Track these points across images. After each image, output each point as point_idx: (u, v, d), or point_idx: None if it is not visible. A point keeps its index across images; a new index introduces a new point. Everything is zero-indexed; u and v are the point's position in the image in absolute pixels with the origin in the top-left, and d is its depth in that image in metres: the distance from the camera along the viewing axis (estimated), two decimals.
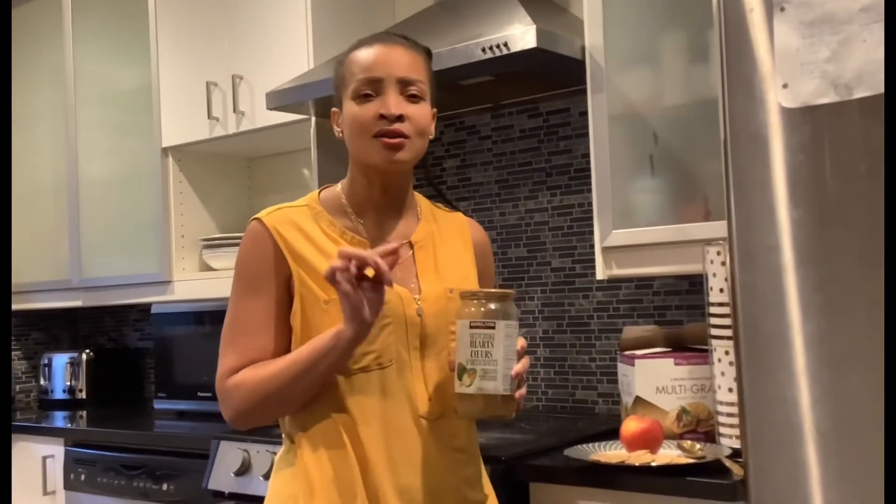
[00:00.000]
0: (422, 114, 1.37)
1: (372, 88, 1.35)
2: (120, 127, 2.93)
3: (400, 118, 1.34)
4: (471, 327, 1.28)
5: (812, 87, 1.26)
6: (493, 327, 1.27)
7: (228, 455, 2.10)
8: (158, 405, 2.80)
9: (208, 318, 2.71)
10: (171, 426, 2.56)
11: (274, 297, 1.35)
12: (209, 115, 2.61)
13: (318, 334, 1.32)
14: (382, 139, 1.34)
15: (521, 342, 1.32)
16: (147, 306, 2.96)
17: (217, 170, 2.91)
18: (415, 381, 1.35)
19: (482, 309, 1.28)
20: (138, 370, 3.33)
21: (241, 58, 2.55)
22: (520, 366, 1.30)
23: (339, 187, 1.45)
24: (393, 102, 1.34)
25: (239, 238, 2.68)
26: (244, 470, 2.05)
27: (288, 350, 1.35)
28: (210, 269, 2.75)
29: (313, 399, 1.33)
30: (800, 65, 1.27)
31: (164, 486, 2.33)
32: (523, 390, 1.33)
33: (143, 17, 2.78)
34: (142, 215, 2.83)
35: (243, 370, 1.34)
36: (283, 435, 1.41)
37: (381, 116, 1.33)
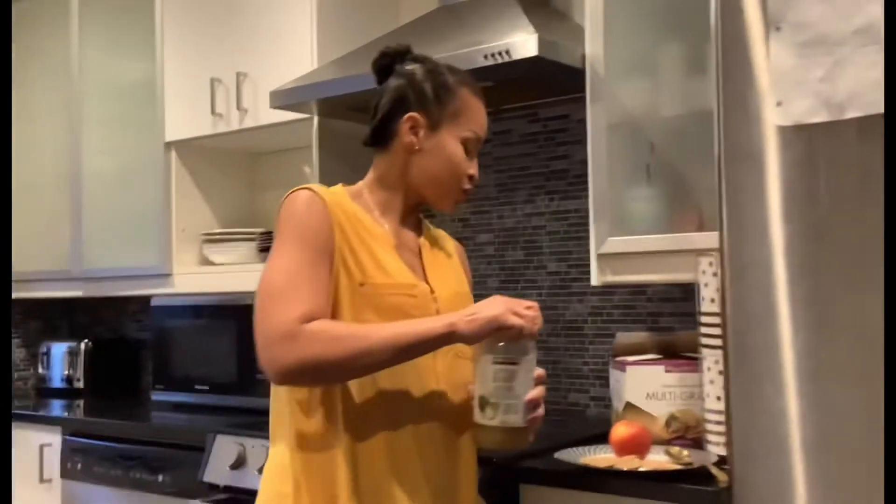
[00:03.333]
0: None
1: (473, 146, 1.48)
2: (123, 120, 2.95)
3: None
4: (493, 363, 1.34)
5: (805, 107, 1.29)
6: (517, 363, 1.34)
7: (224, 448, 2.13)
8: (156, 397, 2.83)
9: (207, 312, 2.74)
10: (168, 418, 2.59)
11: (329, 263, 1.36)
12: (213, 112, 2.63)
13: (350, 314, 1.34)
14: (461, 194, 1.49)
15: (539, 371, 1.39)
16: (146, 298, 2.98)
17: (219, 165, 2.93)
18: (429, 379, 1.40)
19: (505, 345, 1.34)
20: (136, 362, 3.36)
21: (245, 55, 2.57)
22: (536, 392, 1.37)
23: (364, 190, 1.49)
24: (476, 168, 1.50)
25: (241, 233, 2.72)
26: (239, 464, 2.08)
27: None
28: (210, 263, 2.78)
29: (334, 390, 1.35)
30: (793, 84, 1.30)
31: (160, 478, 2.36)
32: (541, 411, 1.40)
33: (150, 12, 2.80)
34: (143, 208, 2.85)
35: (322, 320, 1.29)
36: (272, 435, 1.42)
37: (471, 177, 1.49)
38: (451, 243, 1.62)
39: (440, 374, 1.42)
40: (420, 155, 1.45)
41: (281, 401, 1.40)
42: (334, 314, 1.35)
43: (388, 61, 1.50)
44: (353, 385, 1.35)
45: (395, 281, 1.40)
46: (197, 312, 2.77)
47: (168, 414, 2.67)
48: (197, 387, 2.71)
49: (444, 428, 1.41)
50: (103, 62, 3.02)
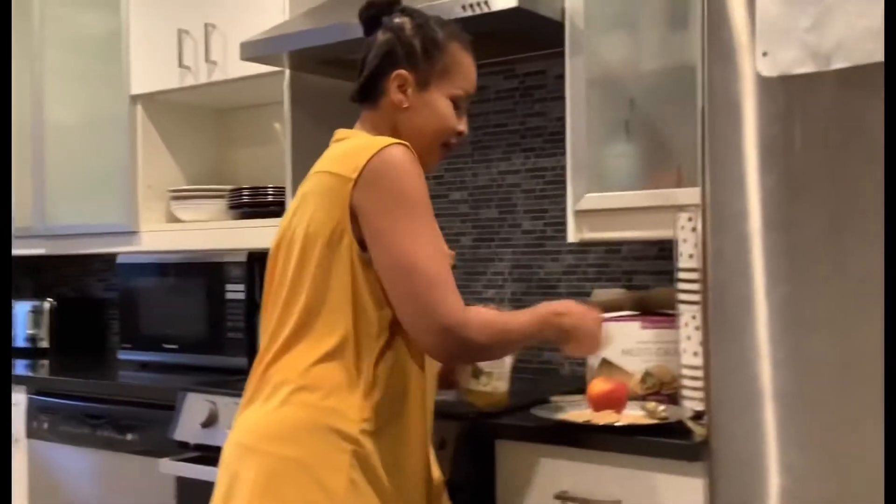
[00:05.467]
0: None
1: (462, 102, 1.47)
2: (87, 73, 2.87)
3: None
4: None
5: (791, 56, 1.27)
6: None
7: (195, 406, 2.10)
8: (123, 356, 2.79)
9: (174, 270, 2.69)
10: (135, 377, 2.55)
11: None
12: (180, 64, 2.56)
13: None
14: (444, 149, 1.48)
15: None
16: (112, 256, 2.92)
17: (187, 120, 2.86)
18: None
19: None
20: (102, 321, 3.30)
21: (214, 6, 2.50)
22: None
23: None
24: (466, 124, 1.49)
25: (209, 190, 2.66)
26: (211, 421, 2.05)
27: None
28: (178, 220, 2.72)
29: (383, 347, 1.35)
30: (780, 33, 1.28)
31: (129, 436, 2.32)
32: None
33: None
34: (108, 164, 2.79)
35: (486, 312, 1.35)
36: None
37: (459, 133, 1.47)
38: None
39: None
40: (409, 112, 1.43)
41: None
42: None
43: (374, 12, 1.47)
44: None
45: None
46: (164, 270, 2.72)
47: (136, 373, 2.63)
48: (165, 346, 2.67)
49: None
50: (65, 13, 2.93)
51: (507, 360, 1.65)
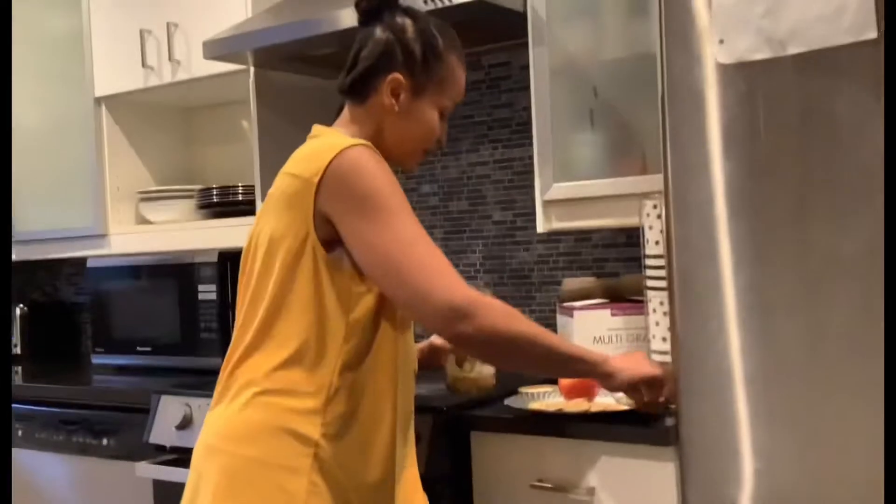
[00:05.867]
0: None
1: (448, 111, 1.47)
2: (50, 74, 2.83)
3: None
4: None
5: (747, 43, 1.29)
6: None
7: (170, 409, 2.09)
8: (96, 360, 2.77)
9: (146, 273, 2.67)
10: (109, 381, 2.53)
11: None
12: (143, 64, 2.54)
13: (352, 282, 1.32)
14: (423, 154, 1.48)
15: None
16: (82, 260, 2.90)
17: (153, 120, 2.84)
18: (410, 339, 1.45)
19: None
20: (74, 325, 3.28)
21: (176, 5, 2.48)
22: None
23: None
24: (446, 132, 1.50)
25: (178, 190, 2.65)
26: (186, 424, 2.05)
27: None
28: (147, 222, 2.70)
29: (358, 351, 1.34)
30: (736, 20, 1.29)
31: (105, 441, 2.31)
32: None
33: None
34: (75, 167, 2.76)
35: (508, 308, 1.31)
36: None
37: (439, 141, 1.48)
38: None
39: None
40: (397, 117, 1.41)
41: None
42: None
43: (376, 4, 1.43)
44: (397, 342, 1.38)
45: None
46: (135, 273, 2.70)
47: (110, 377, 2.61)
48: (139, 348, 2.66)
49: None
50: (27, 14, 2.89)
51: None
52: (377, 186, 1.28)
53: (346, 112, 1.46)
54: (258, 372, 1.32)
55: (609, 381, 1.44)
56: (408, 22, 1.42)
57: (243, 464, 1.29)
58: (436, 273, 1.27)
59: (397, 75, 1.39)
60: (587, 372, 1.43)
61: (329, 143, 1.32)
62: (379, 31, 1.41)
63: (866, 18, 1.19)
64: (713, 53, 1.32)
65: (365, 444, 1.35)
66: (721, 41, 1.31)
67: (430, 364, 1.73)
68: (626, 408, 1.58)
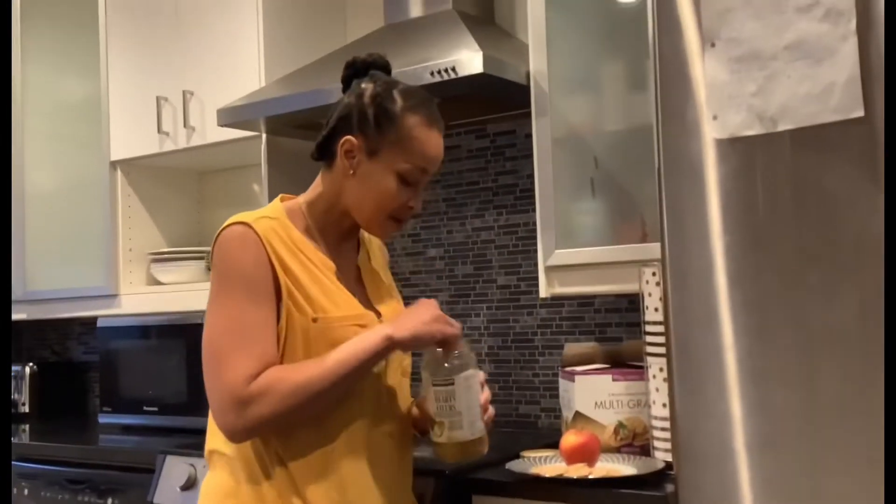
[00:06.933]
0: None
1: (417, 177, 1.42)
2: (68, 139, 2.91)
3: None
4: (433, 385, 1.41)
5: (739, 120, 1.33)
6: (453, 383, 1.40)
7: (175, 469, 2.11)
8: (103, 419, 2.78)
9: (155, 333, 2.70)
10: (116, 440, 2.55)
11: (273, 304, 1.33)
12: (159, 130, 2.61)
13: (303, 350, 1.33)
14: (394, 222, 1.44)
15: (485, 395, 1.44)
16: (92, 320, 2.94)
17: (166, 183, 2.91)
18: (382, 398, 1.44)
19: (440, 367, 1.40)
20: (83, 384, 3.29)
21: (192, 73, 2.56)
22: (483, 397, 1.44)
23: (302, 206, 1.45)
24: (421, 199, 1.45)
25: (189, 252, 2.69)
26: (190, 484, 2.06)
27: (280, 360, 1.34)
28: (158, 283, 2.75)
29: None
30: (728, 98, 1.34)
31: (109, 501, 2.31)
32: (491, 411, 1.47)
33: (94, 29, 2.78)
34: (89, 228, 2.82)
35: (267, 374, 1.29)
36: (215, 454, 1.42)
37: (409, 208, 1.43)
38: (378, 252, 1.59)
39: (388, 391, 1.46)
40: (353, 180, 1.41)
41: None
42: (289, 352, 1.34)
43: (350, 73, 1.47)
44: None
45: (346, 313, 1.39)
46: (145, 333, 2.73)
47: (116, 436, 2.62)
48: (146, 408, 2.68)
49: (393, 442, 1.46)
50: (47, 79, 2.98)
51: (461, 405, 1.41)
52: (224, 268, 1.33)
53: (318, 176, 1.49)
54: (220, 438, 1.38)
55: (398, 347, 1.38)
56: (370, 86, 1.42)
57: None
58: (224, 365, 1.29)
59: (349, 137, 1.40)
60: (374, 353, 1.34)
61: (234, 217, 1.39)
62: (345, 97, 1.45)
63: (853, 98, 1.24)
64: (707, 129, 1.37)
65: None
66: (714, 117, 1.36)
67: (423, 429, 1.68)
68: (626, 474, 1.59)
